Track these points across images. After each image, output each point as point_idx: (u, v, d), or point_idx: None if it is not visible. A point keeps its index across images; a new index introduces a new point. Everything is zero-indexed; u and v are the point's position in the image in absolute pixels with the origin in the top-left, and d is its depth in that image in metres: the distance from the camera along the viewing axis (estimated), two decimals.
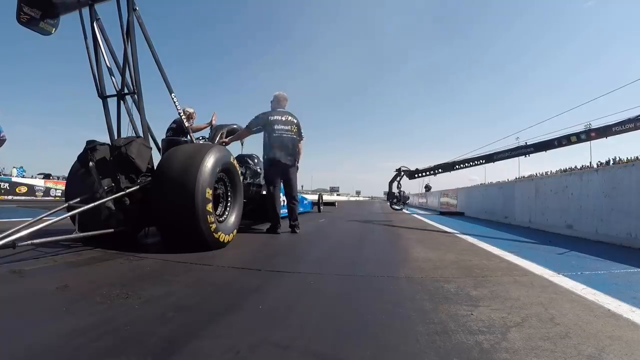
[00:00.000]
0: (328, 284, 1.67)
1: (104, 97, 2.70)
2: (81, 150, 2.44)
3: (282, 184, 3.82)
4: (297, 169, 3.89)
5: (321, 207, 8.99)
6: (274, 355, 0.90)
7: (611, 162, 33.81)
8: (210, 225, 2.34)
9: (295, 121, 3.82)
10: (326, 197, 13.43)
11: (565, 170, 37.15)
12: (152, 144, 2.84)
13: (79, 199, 2.33)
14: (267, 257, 2.43)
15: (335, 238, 3.66)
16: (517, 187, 6.10)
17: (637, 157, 28.01)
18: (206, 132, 4.11)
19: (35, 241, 1.82)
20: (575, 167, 39.64)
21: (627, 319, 1.19)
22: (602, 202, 3.63)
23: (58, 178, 15.68)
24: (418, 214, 9.51)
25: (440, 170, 9.88)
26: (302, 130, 3.88)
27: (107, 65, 2.74)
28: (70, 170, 2.65)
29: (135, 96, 2.66)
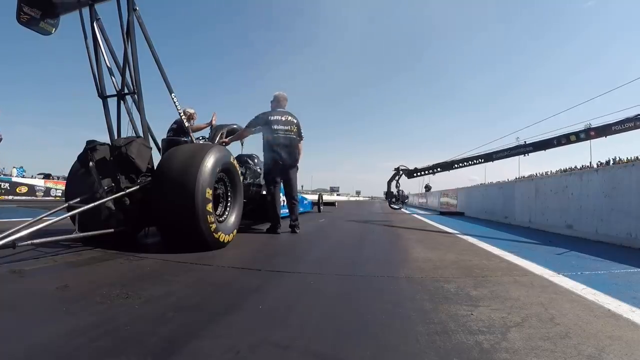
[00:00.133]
0: (328, 284, 1.67)
1: (104, 97, 2.70)
2: (81, 150, 2.44)
3: (282, 184, 3.83)
4: (297, 169, 3.89)
5: (321, 207, 8.99)
6: (274, 355, 0.90)
7: (611, 162, 33.81)
8: (210, 225, 2.34)
9: (295, 121, 3.82)
10: (326, 197, 13.43)
11: (565, 170, 37.17)
12: (152, 144, 2.84)
13: (79, 199, 2.33)
14: (267, 257, 2.43)
15: (335, 238, 3.66)
16: (517, 187, 6.09)
17: (637, 157, 28.01)
18: (206, 132, 4.11)
19: (35, 241, 1.82)
20: (575, 167, 39.64)
21: (627, 319, 1.19)
22: (602, 202, 3.63)
23: (58, 178, 15.69)
24: (418, 214, 9.51)
25: (439, 169, 9.86)
26: (302, 130, 3.88)
27: (107, 65, 2.74)
28: (70, 170, 2.65)
29: (135, 96, 2.66)
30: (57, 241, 2.13)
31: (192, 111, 4.16)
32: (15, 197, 12.47)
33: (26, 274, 1.62)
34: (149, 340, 0.95)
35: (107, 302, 1.26)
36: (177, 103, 3.06)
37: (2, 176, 13.78)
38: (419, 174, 10.28)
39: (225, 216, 2.80)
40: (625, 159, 31.07)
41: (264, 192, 4.07)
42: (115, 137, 2.68)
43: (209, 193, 2.34)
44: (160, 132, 3.66)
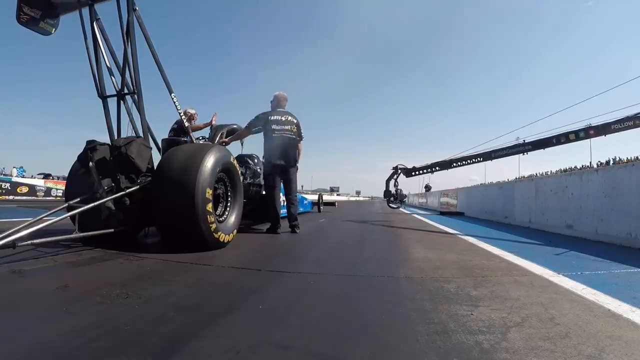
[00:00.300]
0: (328, 284, 1.67)
1: (104, 97, 2.70)
2: (81, 150, 2.44)
3: (282, 184, 3.83)
4: (297, 169, 3.89)
5: (321, 207, 8.99)
6: (274, 355, 0.90)
7: (611, 162, 33.79)
8: (210, 225, 2.34)
9: (295, 121, 3.82)
10: (326, 197, 13.43)
11: (565, 170, 37.16)
12: (152, 144, 2.84)
13: (79, 199, 2.33)
14: (267, 257, 2.43)
15: (335, 238, 3.66)
16: (517, 187, 6.10)
17: (637, 157, 27.99)
18: (206, 132, 4.11)
19: (35, 241, 1.82)
20: (575, 167, 39.63)
21: (627, 319, 1.19)
22: (602, 202, 3.63)
23: (58, 178, 15.69)
24: (418, 213, 9.51)
25: (437, 168, 9.81)
26: (302, 130, 3.88)
27: (107, 65, 2.74)
28: (70, 170, 2.65)
29: (135, 96, 2.66)
30: (57, 241, 2.13)
31: (193, 112, 4.16)
32: (17, 197, 12.48)
33: (26, 274, 1.62)
34: (149, 340, 0.95)
35: (107, 302, 1.26)
36: (177, 103, 3.06)
37: (2, 176, 13.79)
38: (417, 172, 10.25)
39: (225, 216, 2.80)
40: (625, 159, 31.06)
41: (264, 192, 4.08)
42: (115, 137, 2.68)
43: (209, 193, 2.34)
44: (160, 132, 3.66)
